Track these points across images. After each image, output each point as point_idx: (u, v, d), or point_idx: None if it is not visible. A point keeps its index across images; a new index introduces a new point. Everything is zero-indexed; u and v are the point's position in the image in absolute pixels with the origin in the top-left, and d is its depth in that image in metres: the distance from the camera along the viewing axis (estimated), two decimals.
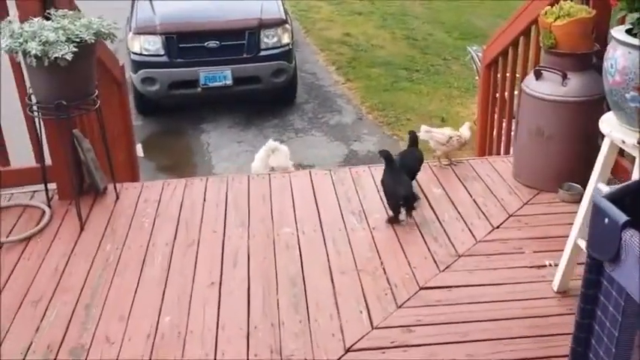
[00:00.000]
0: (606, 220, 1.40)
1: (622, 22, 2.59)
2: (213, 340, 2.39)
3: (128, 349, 2.36)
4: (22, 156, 3.57)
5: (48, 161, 3.33)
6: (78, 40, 2.87)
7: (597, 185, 2.35)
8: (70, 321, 2.52)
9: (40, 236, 3.11)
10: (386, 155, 3.17)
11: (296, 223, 3.15)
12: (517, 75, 4.47)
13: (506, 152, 4.61)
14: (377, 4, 13.27)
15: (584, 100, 3.19)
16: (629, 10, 2.27)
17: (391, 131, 7.72)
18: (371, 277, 2.73)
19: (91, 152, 3.38)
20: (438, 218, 3.15)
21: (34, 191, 3.48)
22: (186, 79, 7.59)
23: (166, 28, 7.48)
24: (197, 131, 7.88)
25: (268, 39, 7.73)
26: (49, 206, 3.32)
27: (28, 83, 3.11)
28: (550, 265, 2.76)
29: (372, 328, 2.42)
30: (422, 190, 3.43)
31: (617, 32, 2.28)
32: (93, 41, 2.92)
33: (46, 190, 3.36)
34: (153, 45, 7.58)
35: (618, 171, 3.14)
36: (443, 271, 2.75)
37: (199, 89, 7.63)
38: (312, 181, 3.59)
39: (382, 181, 3.22)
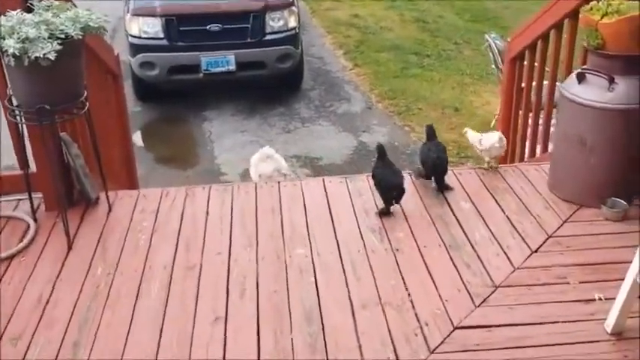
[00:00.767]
0: None
1: None
2: None
3: None
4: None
5: (34, 167, 3.00)
6: (63, 36, 2.51)
7: None
8: None
9: (24, 255, 2.78)
10: (380, 149, 3.19)
11: (310, 243, 2.82)
12: (546, 69, 4.14)
13: (532, 154, 4.27)
14: None
15: (633, 108, 2.83)
16: None
17: (402, 122, 7.35)
18: (397, 311, 2.40)
19: (80, 159, 3.03)
20: (468, 239, 2.82)
21: (19, 199, 3.15)
22: (187, 64, 7.22)
23: (166, 9, 7.08)
24: (198, 119, 7.52)
25: (274, 22, 7.33)
26: (35, 219, 2.99)
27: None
28: (600, 299, 2.43)
29: None
30: (449, 204, 3.09)
31: None
32: (80, 37, 2.56)
33: (31, 199, 3.03)
34: (152, 27, 7.19)
35: None
36: (479, 305, 2.42)
37: (201, 75, 7.26)
38: (325, 190, 3.25)
39: (373, 174, 3.16)
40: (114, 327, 2.36)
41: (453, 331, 2.30)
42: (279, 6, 7.32)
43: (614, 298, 2.36)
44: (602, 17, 2.81)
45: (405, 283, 2.55)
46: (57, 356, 2.24)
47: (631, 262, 2.59)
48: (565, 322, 2.33)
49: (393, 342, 2.25)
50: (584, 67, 2.95)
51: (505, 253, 2.71)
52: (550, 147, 4.15)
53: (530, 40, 4.15)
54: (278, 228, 2.94)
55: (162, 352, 2.24)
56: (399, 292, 2.50)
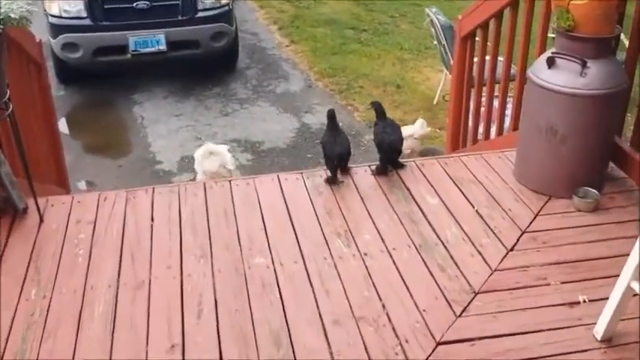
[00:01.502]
0: None
1: None
2: None
3: None
4: None
5: None
6: None
7: None
8: None
9: None
10: (330, 113, 3.17)
11: (270, 251, 2.57)
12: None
13: (486, 137, 4.13)
14: None
15: (607, 93, 2.70)
16: None
17: (344, 100, 7.13)
18: (373, 327, 2.19)
19: (4, 165, 2.66)
20: (439, 238, 2.63)
21: None
22: (114, 45, 6.77)
23: None
24: (128, 102, 7.07)
25: None
26: None
27: None
28: (584, 301, 2.29)
29: None
30: (415, 200, 2.90)
31: None
32: (0, 32, 2.20)
33: None
34: (74, 6, 6.68)
35: None
36: (460, 315, 2.24)
37: (129, 55, 6.81)
38: (282, 189, 3.00)
39: (322, 142, 3.16)
40: None
41: (436, 347, 2.11)
42: None
43: (599, 300, 2.24)
44: None
45: (378, 293, 2.35)
46: None
47: (608, 257, 2.51)
48: (552, 329, 2.18)
49: None
50: (555, 50, 2.79)
51: (480, 253, 2.54)
52: (505, 128, 4.04)
53: (482, 19, 3.99)
54: (234, 234, 2.67)
55: None
56: (373, 305, 2.29)
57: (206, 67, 7.55)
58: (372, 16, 9.69)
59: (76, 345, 2.13)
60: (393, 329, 2.18)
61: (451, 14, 8.77)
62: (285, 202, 2.89)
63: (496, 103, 4.16)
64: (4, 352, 2.11)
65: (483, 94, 4.10)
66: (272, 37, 8.86)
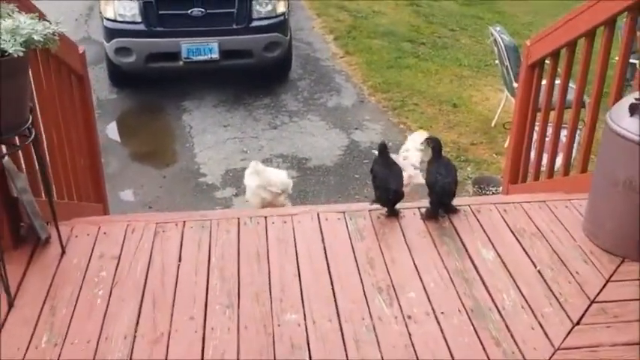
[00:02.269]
0: None
1: None
2: None
3: None
4: None
5: None
6: None
7: None
8: None
9: None
10: (381, 147, 2.98)
11: (303, 305, 2.32)
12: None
13: (550, 174, 3.79)
14: None
15: None
16: None
17: (397, 118, 6.85)
18: None
19: (27, 194, 2.49)
20: (495, 303, 2.33)
21: None
22: (167, 51, 6.69)
23: None
24: (178, 110, 6.96)
25: (261, 7, 6.76)
26: None
27: None
28: None
29: None
30: (468, 252, 2.61)
31: None
32: (22, 54, 2.02)
33: None
34: (129, 10, 6.61)
35: None
36: None
37: (181, 63, 6.72)
38: (321, 229, 2.75)
39: (372, 170, 2.98)
40: None
41: None
42: None
43: None
44: None
45: None
46: None
47: None
48: None
49: None
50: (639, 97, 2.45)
51: (541, 325, 2.23)
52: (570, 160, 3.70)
53: (554, 47, 3.67)
54: (265, 281, 2.43)
55: None
56: None
57: (257, 77, 7.39)
58: (431, 28, 9.37)
59: None
60: None
61: (513, 29, 8.41)
62: (324, 246, 2.64)
63: (562, 136, 3.83)
64: None
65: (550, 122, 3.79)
66: (327, 47, 8.64)
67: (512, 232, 2.73)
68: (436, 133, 6.57)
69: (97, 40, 8.10)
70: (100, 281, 2.43)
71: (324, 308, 2.30)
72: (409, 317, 2.27)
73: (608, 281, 2.45)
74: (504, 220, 2.81)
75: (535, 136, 4.05)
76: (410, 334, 2.19)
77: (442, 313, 2.28)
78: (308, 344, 2.15)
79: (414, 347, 2.14)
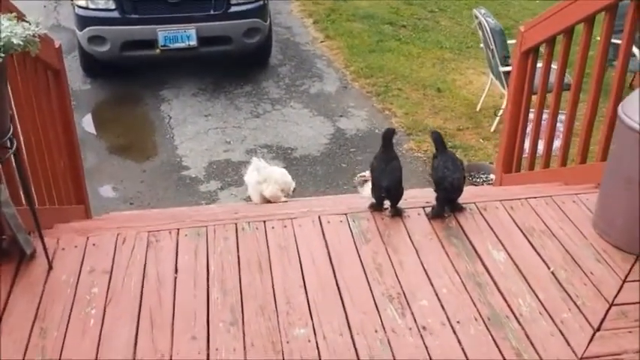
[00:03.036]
0: None
1: None
2: None
3: None
4: None
5: None
6: None
7: None
8: None
9: None
10: (386, 134, 2.83)
11: (312, 317, 2.19)
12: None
13: (546, 164, 3.70)
14: None
15: None
16: None
17: (381, 104, 6.72)
18: None
19: (9, 207, 2.32)
20: (512, 310, 2.23)
21: None
22: (142, 39, 6.43)
23: None
24: (156, 100, 6.75)
25: None
26: None
27: None
28: None
29: None
30: (478, 254, 2.50)
31: None
32: (0, 60, 1.84)
33: None
34: None
35: None
36: None
37: (158, 51, 6.49)
38: (323, 233, 2.62)
39: (371, 164, 2.84)
40: None
41: None
42: None
43: None
44: None
45: None
46: None
47: None
48: None
49: None
50: None
51: (561, 332, 2.13)
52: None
53: (550, 34, 3.56)
54: (269, 293, 2.30)
55: None
56: None
57: (237, 63, 7.19)
58: (411, 10, 9.22)
59: None
60: None
61: (492, 9, 8.26)
62: (328, 252, 2.51)
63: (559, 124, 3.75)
64: None
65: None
66: (306, 31, 8.45)
67: (522, 231, 2.63)
68: (422, 118, 6.47)
69: (67, 27, 7.82)
70: (92, 299, 2.27)
71: (333, 320, 2.18)
72: (424, 328, 2.16)
73: (624, 281, 2.36)
74: (512, 217, 2.71)
75: (530, 125, 3.96)
76: (427, 347, 2.09)
77: (458, 322, 2.18)
78: None
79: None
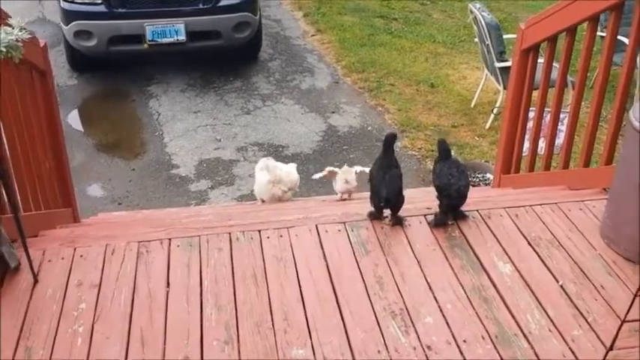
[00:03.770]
0: None
1: None
2: None
3: None
4: None
5: None
6: None
7: None
8: None
9: None
10: (388, 139, 2.71)
11: (310, 336, 2.09)
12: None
13: (547, 166, 3.62)
14: None
15: None
16: None
17: (374, 100, 6.61)
18: None
19: None
20: (520, 327, 2.13)
21: None
22: (130, 34, 6.30)
23: None
24: (144, 96, 6.61)
25: None
26: None
27: None
28: None
29: None
30: (483, 267, 2.40)
31: None
32: None
33: None
34: None
35: None
36: None
37: (145, 45, 6.35)
38: (321, 244, 2.51)
39: (370, 172, 2.74)
40: None
41: None
42: None
43: None
44: None
45: None
46: None
47: None
48: None
49: None
50: None
51: (573, 352, 2.04)
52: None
53: (552, 32, 3.46)
54: (265, 309, 2.19)
55: None
56: None
57: (226, 58, 7.05)
58: (402, 3, 9.11)
59: None
60: None
61: (484, 3, 8.17)
62: (327, 264, 2.41)
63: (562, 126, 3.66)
64: None
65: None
66: (296, 24, 8.33)
67: (528, 241, 2.53)
68: (415, 115, 6.37)
69: (53, 21, 7.66)
70: (79, 315, 2.15)
71: (334, 340, 2.08)
72: (429, 347, 2.06)
73: (635, 296, 2.27)
74: (517, 226, 2.62)
75: (530, 124, 3.87)
76: None
77: (464, 341, 2.08)
78: None
79: None
